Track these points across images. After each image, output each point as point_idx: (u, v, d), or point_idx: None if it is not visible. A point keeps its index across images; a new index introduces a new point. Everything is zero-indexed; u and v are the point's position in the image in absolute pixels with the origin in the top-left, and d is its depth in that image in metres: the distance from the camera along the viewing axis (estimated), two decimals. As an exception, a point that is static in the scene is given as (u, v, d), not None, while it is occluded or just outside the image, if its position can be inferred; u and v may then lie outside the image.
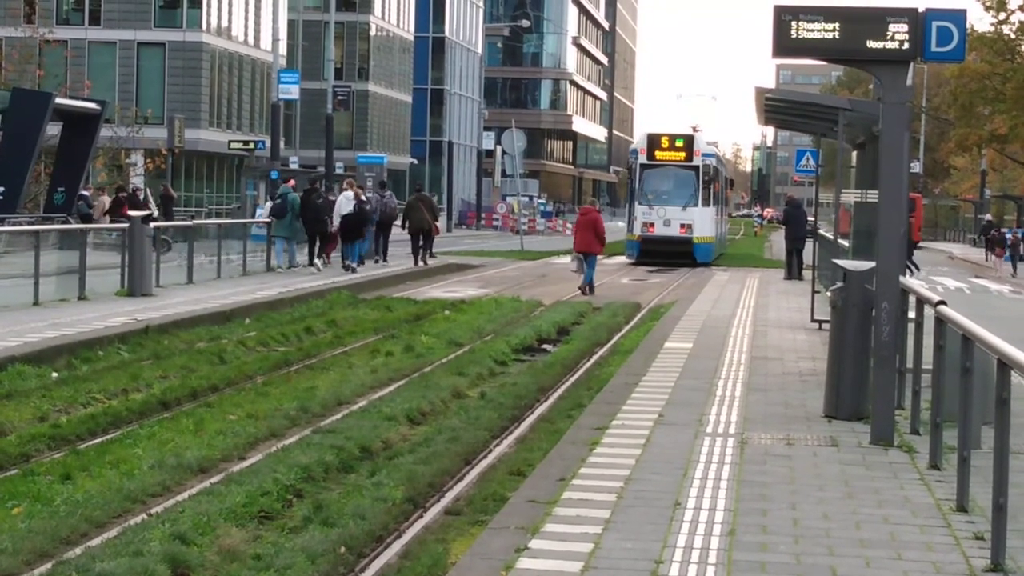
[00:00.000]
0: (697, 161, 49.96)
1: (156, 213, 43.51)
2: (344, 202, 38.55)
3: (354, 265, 38.91)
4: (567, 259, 41.82)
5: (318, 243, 39.04)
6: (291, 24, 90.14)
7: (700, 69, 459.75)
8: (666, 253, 48.69)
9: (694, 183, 49.70)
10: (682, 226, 49.18)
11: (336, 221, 38.31)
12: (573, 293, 35.75)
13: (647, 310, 31.32)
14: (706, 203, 50.32)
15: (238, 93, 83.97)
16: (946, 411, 12.17)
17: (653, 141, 50.54)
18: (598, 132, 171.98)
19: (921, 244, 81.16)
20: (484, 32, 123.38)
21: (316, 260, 38.55)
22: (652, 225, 49.21)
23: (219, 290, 30.53)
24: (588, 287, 35.19)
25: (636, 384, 17.60)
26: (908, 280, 14.39)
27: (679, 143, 50.41)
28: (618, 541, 9.82)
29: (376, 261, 42.44)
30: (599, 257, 37.12)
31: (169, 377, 19.10)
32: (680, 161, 49.82)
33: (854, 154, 23.76)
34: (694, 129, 57.37)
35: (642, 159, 49.96)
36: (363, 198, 39.55)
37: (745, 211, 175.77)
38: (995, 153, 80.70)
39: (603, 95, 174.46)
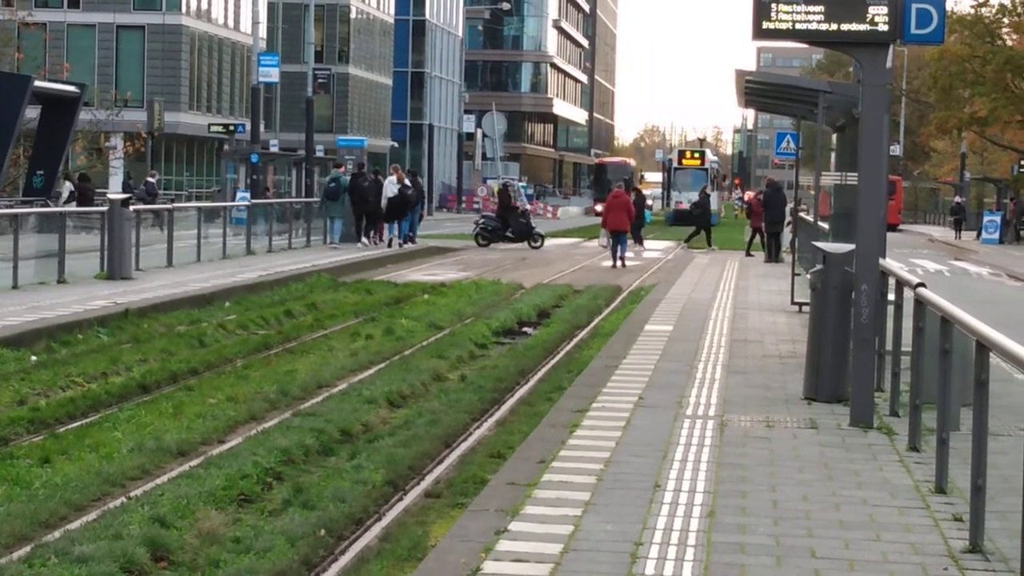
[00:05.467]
0: (707, 165, 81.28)
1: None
2: (389, 186, 43.19)
3: (400, 241, 43.75)
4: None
5: (365, 221, 43.62)
6: (271, 7, 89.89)
7: (681, 52, 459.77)
8: (689, 221, 68.05)
9: (705, 178, 76.65)
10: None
11: (384, 203, 43.17)
12: (553, 276, 35.79)
13: (627, 293, 31.34)
14: (713, 190, 74.70)
15: (218, 76, 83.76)
16: (925, 393, 12.20)
17: (681, 153, 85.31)
18: (579, 115, 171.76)
19: (901, 227, 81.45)
20: (465, 15, 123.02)
21: (364, 238, 43.22)
22: (681, 203, 75.60)
23: (199, 273, 30.49)
24: (621, 261, 40.07)
25: (616, 367, 17.61)
26: (888, 262, 14.40)
27: (696, 155, 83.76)
28: (598, 523, 9.83)
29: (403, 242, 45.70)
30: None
31: (149, 360, 19.06)
32: (697, 166, 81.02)
33: (834, 137, 23.78)
34: (701, 143, 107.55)
35: (675, 164, 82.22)
36: (406, 183, 43.92)
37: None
38: (975, 136, 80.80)
39: (584, 78, 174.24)
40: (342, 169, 45.45)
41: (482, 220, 49.04)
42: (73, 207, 39.03)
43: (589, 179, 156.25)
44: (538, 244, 47.49)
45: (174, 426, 14.41)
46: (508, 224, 47.56)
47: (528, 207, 49.18)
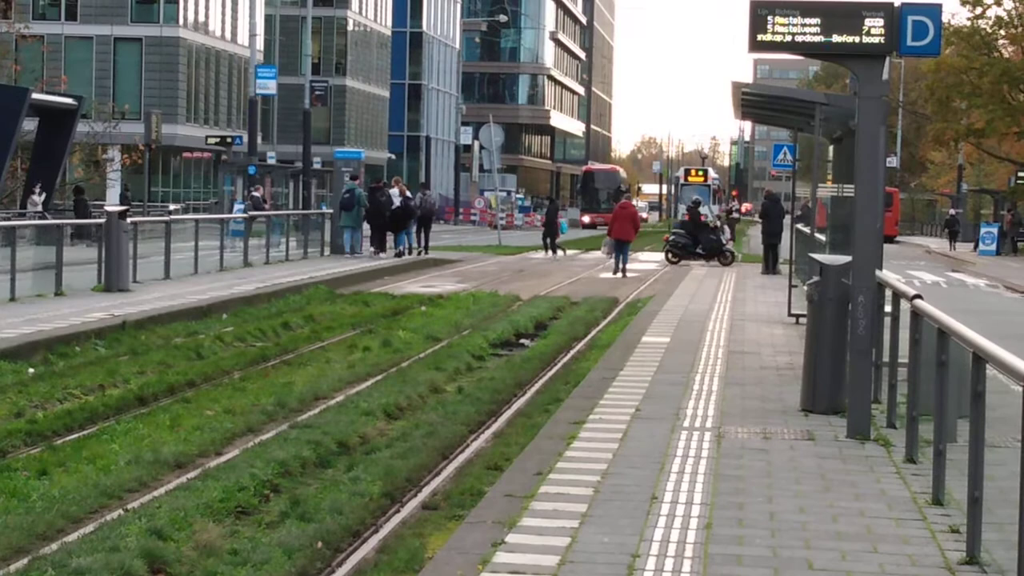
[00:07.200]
0: (709, 182, 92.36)
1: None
2: (392, 198, 44.71)
3: (403, 250, 45.08)
4: (541, 254, 51.84)
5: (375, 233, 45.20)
6: (268, 19, 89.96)
7: (678, 63, 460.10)
8: None
9: (708, 193, 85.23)
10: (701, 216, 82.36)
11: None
12: (550, 288, 35.79)
13: (625, 304, 31.33)
14: (713, 203, 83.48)
15: (215, 88, 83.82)
16: (922, 405, 12.21)
17: (687, 171, 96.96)
18: (576, 127, 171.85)
19: (898, 239, 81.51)
20: (462, 27, 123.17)
21: (373, 247, 44.78)
22: (687, 215, 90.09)
23: (196, 285, 30.48)
24: (622, 270, 41.03)
25: (613, 379, 17.61)
26: (885, 274, 14.42)
27: (700, 173, 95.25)
28: (595, 535, 9.83)
29: (419, 253, 46.76)
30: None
31: (146, 373, 19.06)
32: (701, 182, 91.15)
33: (831, 148, 23.80)
34: (703, 160, 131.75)
35: (682, 181, 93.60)
36: (408, 195, 45.75)
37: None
38: (972, 147, 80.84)
39: (581, 90, 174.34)
40: (358, 181, 46.45)
41: (672, 236, 48.86)
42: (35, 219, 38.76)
43: (576, 188, 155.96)
44: (728, 261, 46.57)
45: (171, 438, 14.41)
46: (698, 241, 47.34)
47: (718, 223, 48.89)
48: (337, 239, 44.90)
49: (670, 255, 47.45)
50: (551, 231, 52.93)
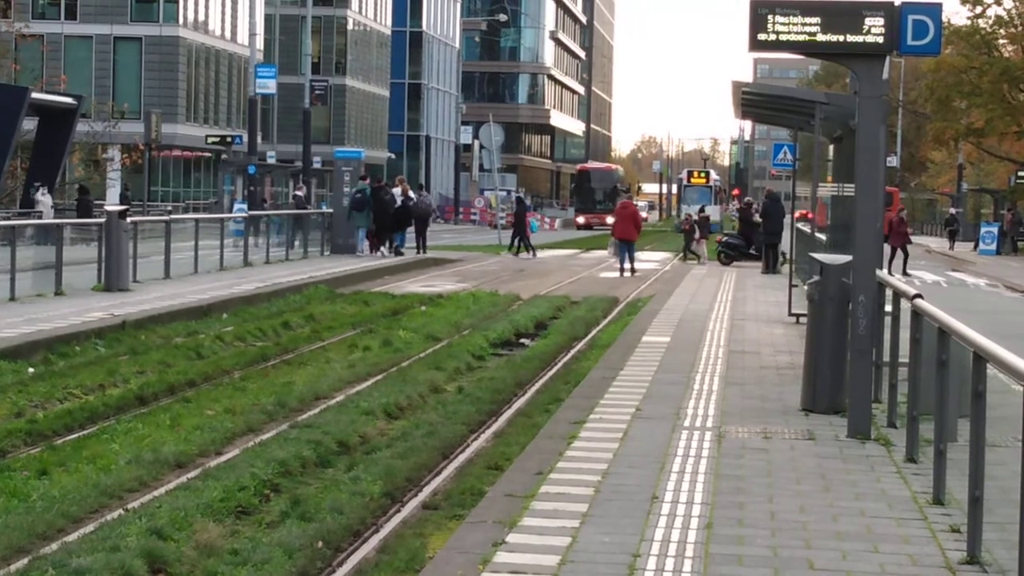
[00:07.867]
0: (711, 183, 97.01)
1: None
2: (395, 197, 45.75)
3: (402, 249, 45.76)
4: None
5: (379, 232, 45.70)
6: (268, 18, 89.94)
7: (678, 63, 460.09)
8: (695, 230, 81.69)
9: (709, 194, 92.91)
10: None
11: None
12: (550, 287, 35.79)
13: (625, 304, 31.32)
14: (715, 203, 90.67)
15: (215, 88, 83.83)
16: (923, 404, 12.20)
17: (689, 173, 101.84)
18: (576, 126, 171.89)
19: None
20: (461, 26, 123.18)
21: (382, 247, 45.30)
22: (690, 215, 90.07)
23: (196, 285, 30.47)
24: (630, 269, 41.18)
25: (614, 378, 17.60)
26: (884, 274, 14.41)
27: (702, 175, 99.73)
28: (595, 535, 9.82)
29: (417, 252, 46.84)
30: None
31: (146, 372, 19.05)
32: (703, 184, 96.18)
33: (831, 148, 23.79)
34: (704, 163, 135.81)
35: (685, 183, 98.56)
36: (410, 195, 46.64)
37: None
38: (972, 147, 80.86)
39: (581, 89, 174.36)
40: (367, 180, 46.74)
41: (724, 238, 48.72)
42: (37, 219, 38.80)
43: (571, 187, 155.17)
44: (783, 262, 45.10)
45: (172, 438, 14.40)
46: (751, 241, 47.08)
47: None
48: (341, 239, 45.07)
49: (722, 256, 47.20)
50: (520, 230, 52.42)
